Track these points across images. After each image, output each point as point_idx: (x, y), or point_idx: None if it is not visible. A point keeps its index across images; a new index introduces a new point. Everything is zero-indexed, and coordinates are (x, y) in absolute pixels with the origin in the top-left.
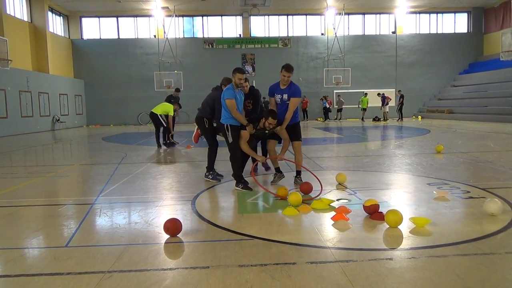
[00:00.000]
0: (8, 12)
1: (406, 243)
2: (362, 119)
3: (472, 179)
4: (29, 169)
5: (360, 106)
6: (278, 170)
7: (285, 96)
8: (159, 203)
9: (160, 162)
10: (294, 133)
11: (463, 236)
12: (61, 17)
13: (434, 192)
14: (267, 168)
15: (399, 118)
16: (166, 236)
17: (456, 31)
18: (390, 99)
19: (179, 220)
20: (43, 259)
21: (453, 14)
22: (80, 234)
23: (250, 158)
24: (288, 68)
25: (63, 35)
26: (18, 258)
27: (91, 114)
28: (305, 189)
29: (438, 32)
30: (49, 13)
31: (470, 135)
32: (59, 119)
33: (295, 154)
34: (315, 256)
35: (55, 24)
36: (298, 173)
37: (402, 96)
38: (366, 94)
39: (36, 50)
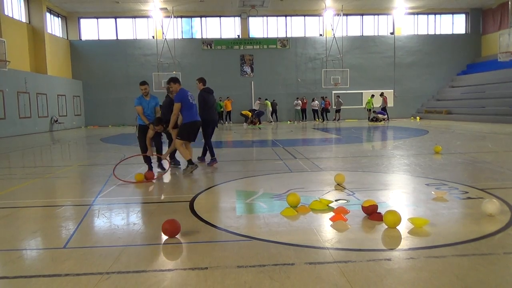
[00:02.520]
0: (6, 13)
1: (404, 243)
2: (369, 119)
3: (470, 180)
4: (27, 170)
5: (366, 107)
6: (190, 162)
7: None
8: (158, 204)
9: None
10: (177, 132)
11: (461, 237)
12: (59, 18)
13: (433, 192)
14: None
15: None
16: (164, 237)
17: (454, 32)
18: (387, 98)
19: (178, 221)
20: (41, 261)
21: (451, 15)
22: (79, 235)
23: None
24: (168, 80)
25: (61, 36)
26: (16, 260)
27: (90, 115)
28: (149, 176)
29: (436, 33)
30: (47, 14)
31: (468, 135)
32: (57, 120)
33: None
34: (314, 256)
35: (53, 25)
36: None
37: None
38: (373, 95)
39: (34, 51)
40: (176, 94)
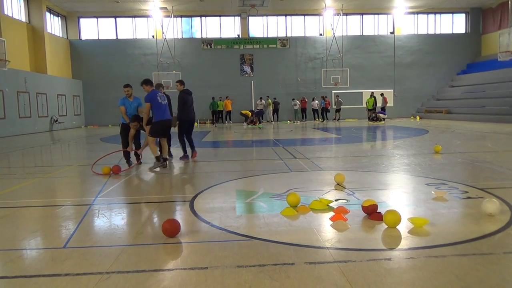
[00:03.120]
0: (6, 13)
1: (404, 243)
2: (368, 119)
3: (470, 179)
4: (27, 170)
5: (366, 106)
6: (157, 158)
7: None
8: (158, 204)
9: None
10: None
11: (461, 236)
12: (59, 17)
13: (433, 192)
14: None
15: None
16: (164, 237)
17: (454, 32)
18: (387, 98)
19: (178, 221)
20: (41, 260)
21: (451, 14)
22: (78, 235)
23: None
24: (141, 82)
25: (61, 36)
26: (16, 259)
27: (89, 115)
28: (116, 169)
29: (436, 32)
30: (47, 14)
31: (468, 135)
32: (57, 120)
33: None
34: (314, 256)
35: (53, 25)
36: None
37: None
38: (372, 94)
39: (34, 50)
40: (146, 94)
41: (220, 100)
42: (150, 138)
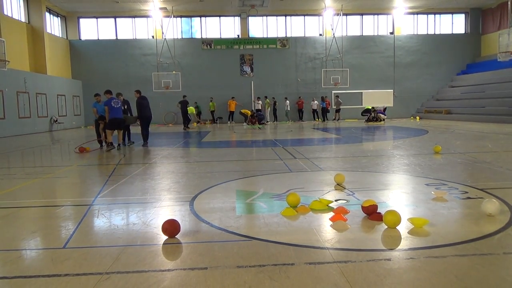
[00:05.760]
0: (5, 13)
1: (404, 243)
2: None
3: (470, 180)
4: (27, 170)
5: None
6: (109, 144)
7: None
8: (157, 204)
9: (158, 163)
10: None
11: (461, 237)
12: (59, 17)
13: (432, 192)
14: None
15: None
16: (164, 237)
17: (454, 32)
18: (385, 109)
19: (178, 221)
20: (41, 261)
21: (451, 15)
22: (78, 235)
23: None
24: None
25: (60, 36)
26: (16, 260)
27: (89, 115)
28: (80, 150)
29: (436, 32)
30: (47, 14)
31: (468, 135)
32: (56, 120)
33: None
34: (314, 257)
35: (53, 25)
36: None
37: None
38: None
39: (33, 51)
40: (105, 100)
41: (211, 100)
42: (108, 130)
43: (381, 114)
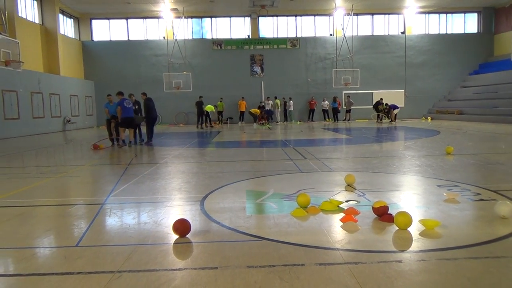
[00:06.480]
0: (20, 15)
1: (415, 245)
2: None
3: (483, 181)
4: (41, 169)
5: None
6: (122, 141)
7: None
8: (168, 204)
9: (169, 163)
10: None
11: (473, 239)
12: (72, 19)
13: (444, 194)
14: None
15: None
16: (175, 237)
17: (466, 31)
18: (396, 108)
19: (188, 221)
20: (54, 259)
21: (463, 14)
22: (90, 234)
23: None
24: (116, 93)
25: (73, 37)
26: (30, 257)
27: (101, 115)
28: (95, 147)
29: (448, 32)
30: (60, 16)
31: (480, 136)
32: (69, 120)
33: None
34: (324, 257)
35: (66, 26)
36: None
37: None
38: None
39: (47, 52)
40: (117, 101)
41: (221, 100)
42: (120, 128)
43: (393, 109)
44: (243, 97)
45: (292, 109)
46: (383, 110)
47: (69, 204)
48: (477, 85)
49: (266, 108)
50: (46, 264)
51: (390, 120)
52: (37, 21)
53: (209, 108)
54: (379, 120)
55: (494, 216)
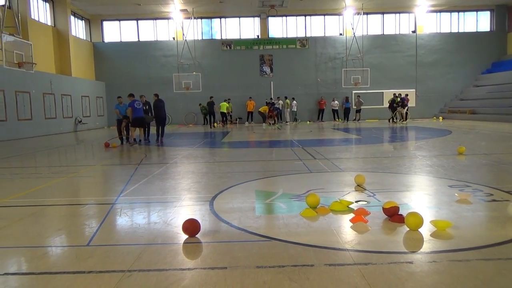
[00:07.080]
0: (32, 17)
1: (426, 246)
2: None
3: (496, 182)
4: (53, 169)
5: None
6: (133, 140)
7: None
8: (178, 204)
9: (179, 163)
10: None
11: (486, 240)
12: (83, 20)
13: (456, 194)
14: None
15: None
16: (184, 236)
17: (479, 30)
18: (409, 100)
19: (198, 221)
20: (66, 258)
21: (475, 12)
22: (101, 233)
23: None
24: (128, 95)
25: (85, 39)
26: (42, 256)
27: (112, 116)
28: (106, 145)
29: (460, 31)
30: (72, 17)
31: (493, 136)
32: (81, 121)
33: None
34: (334, 258)
35: (77, 28)
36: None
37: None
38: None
39: (59, 53)
40: (129, 102)
41: (228, 101)
42: (132, 127)
43: (406, 101)
44: (250, 97)
45: (295, 109)
46: (398, 104)
47: (80, 204)
48: (490, 84)
49: (275, 105)
50: (57, 263)
51: (401, 119)
52: (49, 23)
53: (223, 106)
54: (395, 120)
55: (507, 217)
